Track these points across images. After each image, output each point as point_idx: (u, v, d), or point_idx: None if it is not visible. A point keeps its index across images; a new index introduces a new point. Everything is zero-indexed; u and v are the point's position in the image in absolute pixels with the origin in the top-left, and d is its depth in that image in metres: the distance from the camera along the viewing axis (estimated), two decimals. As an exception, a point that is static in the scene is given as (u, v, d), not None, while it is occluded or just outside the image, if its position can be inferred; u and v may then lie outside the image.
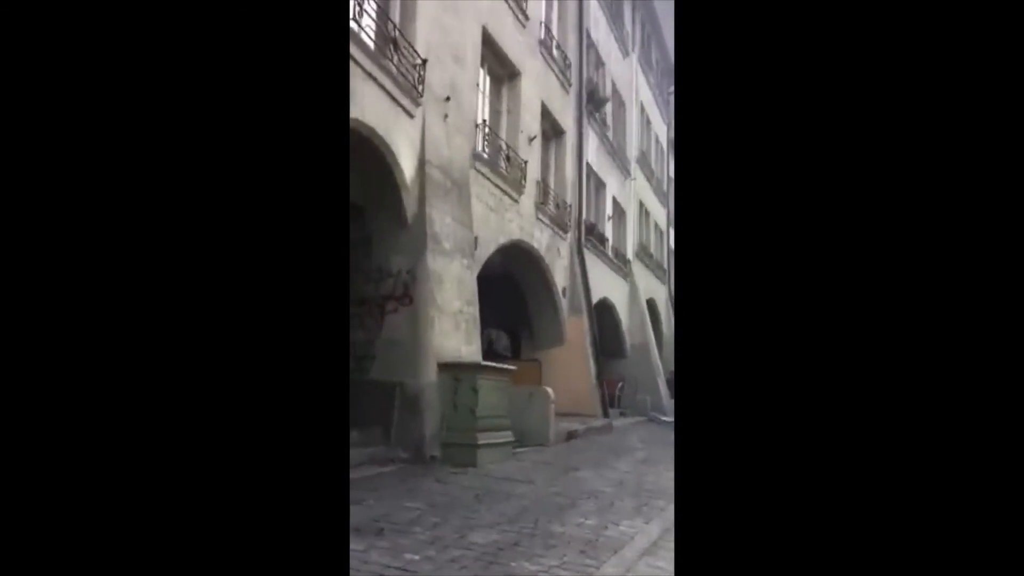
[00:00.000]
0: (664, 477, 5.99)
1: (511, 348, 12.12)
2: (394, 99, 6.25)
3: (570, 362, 10.96)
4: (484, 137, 8.69)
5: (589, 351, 11.24)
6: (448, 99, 7.34)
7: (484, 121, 8.89)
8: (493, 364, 6.62)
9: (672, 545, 3.43)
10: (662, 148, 21.05)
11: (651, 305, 17.49)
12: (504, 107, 9.78)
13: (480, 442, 5.91)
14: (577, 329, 11.34)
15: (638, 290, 16.20)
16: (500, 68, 9.59)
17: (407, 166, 6.51)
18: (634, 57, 17.30)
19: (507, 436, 6.51)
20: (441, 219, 6.89)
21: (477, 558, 3.08)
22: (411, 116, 6.58)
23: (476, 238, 7.79)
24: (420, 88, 6.68)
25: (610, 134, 14.53)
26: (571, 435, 8.62)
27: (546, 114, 10.93)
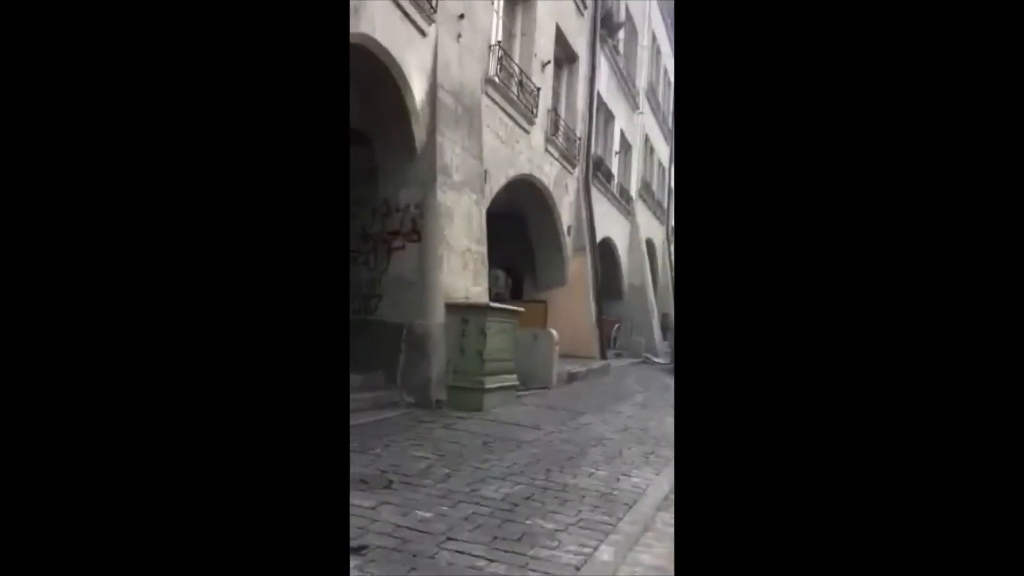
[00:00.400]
0: (666, 423, 6.03)
1: (512, 288, 11.91)
2: (406, 14, 5.70)
3: (571, 303, 10.77)
4: (498, 61, 8.12)
5: (590, 292, 11.04)
6: (462, 17, 6.77)
7: (498, 43, 8.29)
8: (502, 306, 6.39)
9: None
10: (670, 81, 20.18)
11: (649, 246, 17.24)
12: (518, 29, 9.13)
13: (487, 386, 5.76)
14: (580, 269, 11.10)
15: (639, 230, 15.90)
16: (515, -15, 8.89)
17: (418, 90, 6.03)
18: (651, -20, 16.30)
19: (512, 380, 6.38)
20: (452, 149, 6.48)
21: (491, 514, 2.99)
22: (423, 35, 6.04)
23: (486, 171, 7.40)
24: (434, 3, 6.10)
25: (621, 63, 13.80)
26: (572, 377, 8.56)
27: (559, 38, 10.26)
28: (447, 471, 3.68)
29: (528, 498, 3.27)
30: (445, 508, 3.02)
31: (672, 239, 20.68)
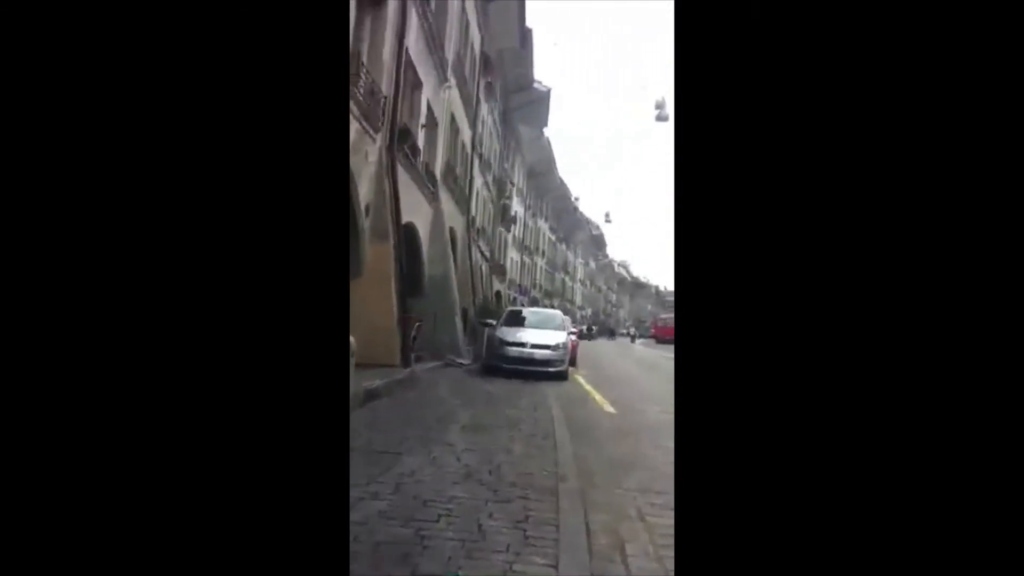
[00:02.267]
0: (516, 455, 4.44)
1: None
2: None
3: (369, 299, 8.74)
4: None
5: (393, 286, 9.14)
6: None
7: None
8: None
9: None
10: (475, 57, 18.93)
11: (451, 235, 15.82)
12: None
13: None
14: (380, 258, 9.12)
15: (443, 216, 14.36)
16: None
17: None
18: (460, -56, 14.75)
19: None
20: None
21: None
22: None
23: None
24: None
25: (432, 21, 12.06)
26: (371, 395, 6.70)
27: (364, -31, 8.21)
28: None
29: None
30: None
31: (472, 228, 19.55)
